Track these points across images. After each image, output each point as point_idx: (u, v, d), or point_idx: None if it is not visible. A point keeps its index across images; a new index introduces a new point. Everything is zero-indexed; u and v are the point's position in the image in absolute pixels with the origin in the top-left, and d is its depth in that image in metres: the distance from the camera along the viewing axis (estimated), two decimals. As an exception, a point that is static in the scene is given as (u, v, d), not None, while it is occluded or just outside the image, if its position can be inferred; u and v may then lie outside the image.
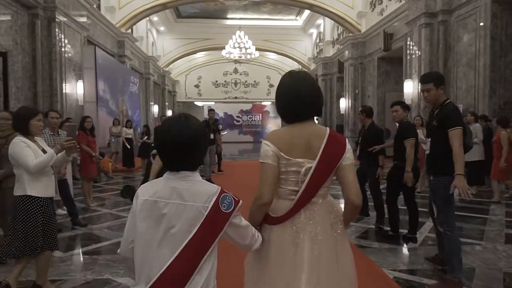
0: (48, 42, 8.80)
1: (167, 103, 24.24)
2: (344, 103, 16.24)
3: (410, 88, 10.19)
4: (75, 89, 9.76)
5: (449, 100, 3.06)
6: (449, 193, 2.76)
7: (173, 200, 1.28)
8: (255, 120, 31.37)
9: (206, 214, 1.27)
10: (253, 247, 1.47)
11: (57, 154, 2.68)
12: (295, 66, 26.99)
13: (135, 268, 1.31)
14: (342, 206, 1.68)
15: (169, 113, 24.17)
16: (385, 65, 13.80)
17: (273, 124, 31.27)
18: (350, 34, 15.07)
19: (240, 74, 29.00)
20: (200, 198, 1.29)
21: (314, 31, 23.13)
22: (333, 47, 19.45)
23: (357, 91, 15.16)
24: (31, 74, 8.56)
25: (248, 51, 19.59)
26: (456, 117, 2.88)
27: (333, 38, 19.43)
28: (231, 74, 28.91)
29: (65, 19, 9.20)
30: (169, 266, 1.23)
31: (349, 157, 1.55)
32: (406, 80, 10.54)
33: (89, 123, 6.18)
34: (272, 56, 27.55)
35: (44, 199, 2.70)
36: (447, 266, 3.10)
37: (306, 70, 23.51)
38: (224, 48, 19.90)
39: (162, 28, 22.54)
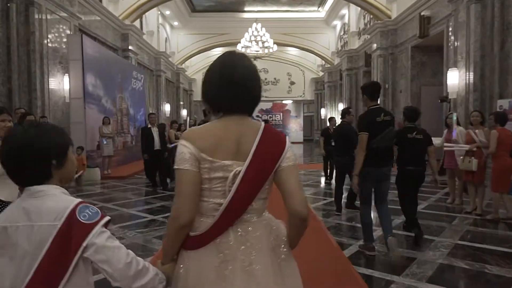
0: (26, 30, 7.64)
1: (182, 102, 23.09)
2: (372, 100, 14.45)
3: (455, 78, 8.40)
4: (61, 84, 8.60)
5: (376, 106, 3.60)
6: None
7: (22, 223, 1.07)
8: (275, 120, 29.78)
9: (56, 231, 1.04)
10: (133, 283, 1.06)
11: None
12: (317, 61, 25.29)
13: None
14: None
15: (184, 112, 23.04)
16: (420, 54, 11.95)
17: (295, 124, 29.67)
18: (379, 22, 13.29)
19: (260, 72, 26.64)
20: (50, 216, 1.06)
21: (337, 23, 21.36)
22: (359, 38, 17.66)
23: (387, 85, 13.36)
24: (5, 67, 7.42)
25: (266, 44, 18.08)
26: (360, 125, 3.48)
27: (359, 28, 17.64)
28: (249, 71, 27.47)
29: (47, 3, 8.03)
30: None
31: (289, 157, 1.23)
32: (450, 69, 8.73)
33: None
34: (292, 51, 25.92)
35: (8, 204, 2.35)
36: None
37: (330, 64, 22.11)
38: (240, 43, 18.49)
39: (176, 23, 21.43)
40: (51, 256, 1.04)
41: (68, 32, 8.81)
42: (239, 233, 1.19)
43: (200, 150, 1.16)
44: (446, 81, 9.14)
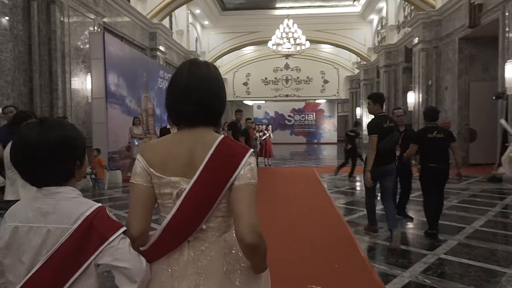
0: (47, 29, 7.45)
1: (212, 102, 22.81)
2: (412, 98, 13.35)
3: (514, 72, 7.32)
4: (84, 84, 8.38)
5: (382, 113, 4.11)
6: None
7: (37, 224, 1.06)
8: (308, 120, 28.94)
9: (70, 234, 1.04)
10: (140, 284, 1.08)
11: None
12: (352, 58, 24.18)
13: None
14: None
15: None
16: (469, 47, 10.78)
17: (329, 124, 28.63)
18: (422, 12, 12.18)
19: (292, 70, 26.75)
20: (67, 218, 1.06)
21: (374, 17, 20.20)
22: (398, 32, 16.50)
23: (430, 82, 12.24)
24: (27, 67, 7.26)
25: (298, 41, 17.33)
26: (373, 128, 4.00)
27: (398, 22, 16.48)
28: (281, 70, 26.78)
29: (70, 1, 7.82)
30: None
31: (244, 175, 1.10)
32: (508, 61, 7.63)
33: None
34: (326, 48, 24.96)
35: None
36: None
37: (366, 60, 20.98)
38: (271, 40, 17.86)
39: (206, 22, 21.18)
40: (61, 257, 1.04)
41: (92, 30, 8.59)
42: (193, 252, 1.14)
43: (150, 165, 1.14)
44: (501, 76, 8.05)
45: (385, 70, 16.94)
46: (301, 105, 28.71)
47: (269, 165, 11.99)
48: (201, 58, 17.81)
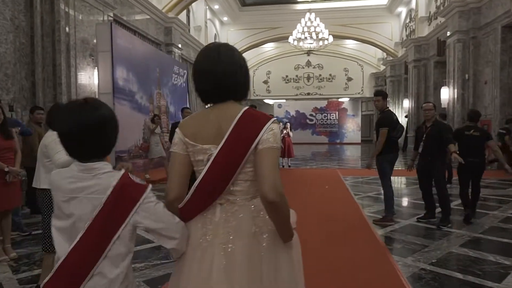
0: (51, 19, 6.98)
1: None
2: (446, 94, 12.27)
3: None
4: (92, 78, 7.89)
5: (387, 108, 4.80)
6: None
7: (76, 194, 1.21)
8: (330, 119, 27.89)
9: (104, 200, 1.18)
10: (180, 239, 1.24)
11: None
12: (378, 54, 23.05)
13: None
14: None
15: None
16: (513, 36, 9.68)
17: (352, 123, 27.51)
18: (457, 0, 11.11)
19: (314, 67, 25.84)
20: (101, 191, 1.20)
21: (402, 10, 19.07)
22: (429, 24, 15.38)
23: (467, 76, 11.16)
24: (29, 59, 6.81)
25: (320, 36, 16.46)
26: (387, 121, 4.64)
27: (430, 13, 15.35)
28: (303, 67, 25.90)
29: (76, -10, 7.34)
30: (66, 257, 1.19)
31: (267, 139, 1.19)
32: None
33: None
34: (350, 44, 23.94)
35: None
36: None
37: (393, 56, 19.81)
38: (292, 35, 17.06)
39: (225, 18, 20.62)
40: (100, 220, 1.17)
41: (100, 22, 8.10)
42: (225, 213, 1.26)
43: (185, 135, 1.29)
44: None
45: (415, 65, 15.84)
46: (323, 103, 27.71)
47: (289, 166, 11.24)
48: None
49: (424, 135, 4.56)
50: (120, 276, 1.19)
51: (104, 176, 1.21)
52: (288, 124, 11.56)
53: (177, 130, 1.31)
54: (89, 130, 1.17)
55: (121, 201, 1.17)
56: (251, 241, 1.21)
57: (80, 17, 7.54)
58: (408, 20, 18.48)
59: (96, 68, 7.71)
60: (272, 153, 1.18)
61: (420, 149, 4.62)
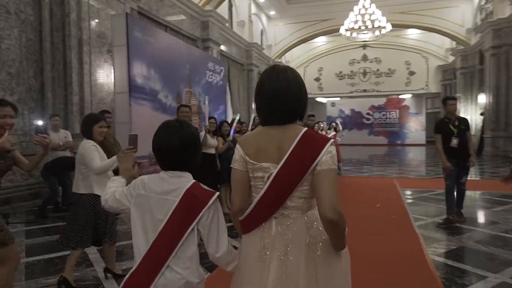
0: (61, 12, 6.34)
1: (279, 100, 20.95)
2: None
3: None
4: (110, 77, 7.18)
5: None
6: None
7: (160, 195, 1.43)
8: (390, 118, 25.44)
9: (178, 201, 1.40)
10: (226, 260, 1.45)
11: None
12: (445, 44, 20.36)
13: (134, 250, 1.47)
14: None
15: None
16: None
17: (415, 122, 24.81)
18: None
19: (371, 62, 23.63)
20: (178, 193, 1.42)
21: (476, -10, 16.42)
22: (511, 3, 12.81)
23: None
24: (38, 57, 6.22)
25: (376, 24, 14.58)
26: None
27: (513, -11, 12.79)
28: (358, 62, 23.81)
29: (90, -21, 6.65)
30: (147, 252, 1.39)
31: (326, 160, 1.29)
32: None
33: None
34: (412, 34, 21.49)
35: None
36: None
37: (465, 44, 16.92)
38: (343, 25, 15.38)
39: (272, 13, 19.46)
40: (173, 220, 1.39)
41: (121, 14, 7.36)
42: (279, 227, 1.35)
43: (246, 153, 1.40)
44: None
45: (493, 53, 13.36)
46: (381, 101, 25.35)
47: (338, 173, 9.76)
48: (266, 53, 16.08)
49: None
50: (191, 268, 1.41)
51: (186, 183, 1.45)
52: (334, 124, 10.05)
53: (237, 147, 1.43)
54: (186, 145, 1.45)
55: (192, 203, 1.40)
56: (307, 251, 1.31)
57: (96, 9, 6.84)
58: (483, 2, 15.81)
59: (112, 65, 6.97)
60: (330, 174, 1.28)
61: None
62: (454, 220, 4.57)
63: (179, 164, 1.44)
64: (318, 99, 26.40)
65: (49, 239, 4.20)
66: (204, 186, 1.43)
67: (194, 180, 1.43)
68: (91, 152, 2.76)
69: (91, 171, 2.77)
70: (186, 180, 1.43)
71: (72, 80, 6.35)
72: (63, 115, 6.38)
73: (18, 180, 5.85)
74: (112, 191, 1.56)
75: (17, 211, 5.44)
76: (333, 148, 1.30)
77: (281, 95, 1.34)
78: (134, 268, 1.40)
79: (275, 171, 1.31)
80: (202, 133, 5.40)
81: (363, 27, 14.86)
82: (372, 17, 14.59)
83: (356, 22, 14.74)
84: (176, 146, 1.41)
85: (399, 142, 24.89)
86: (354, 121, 25.93)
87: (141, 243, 1.41)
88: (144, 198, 1.44)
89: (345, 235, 1.32)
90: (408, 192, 6.93)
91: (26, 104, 6.03)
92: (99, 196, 2.61)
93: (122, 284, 1.41)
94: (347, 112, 26.19)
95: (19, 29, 5.89)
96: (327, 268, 1.31)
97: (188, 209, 1.37)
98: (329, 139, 1.32)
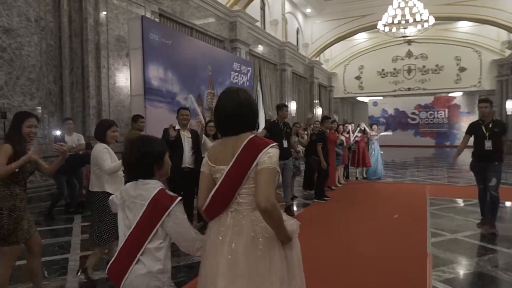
0: (80, 17, 6.52)
1: (316, 100, 20.40)
2: None
3: None
4: (128, 80, 7.28)
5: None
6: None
7: (132, 199, 1.72)
8: (438, 118, 23.83)
9: (145, 206, 1.66)
10: (192, 249, 1.70)
11: None
12: (501, 36, 18.62)
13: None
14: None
15: (319, 111, 20.32)
16: None
17: (467, 122, 22.86)
18: None
19: (416, 58, 22.21)
20: (147, 199, 1.67)
21: (536, -25, 14.75)
22: None
23: None
24: (58, 62, 6.45)
25: (418, 17, 13.60)
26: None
27: None
28: (402, 59, 22.49)
29: (108, -16, 6.79)
30: (123, 244, 1.68)
31: (263, 161, 1.56)
32: None
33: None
34: (462, 27, 19.89)
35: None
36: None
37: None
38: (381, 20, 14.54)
39: (308, 10, 18.97)
40: (142, 221, 1.65)
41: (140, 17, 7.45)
42: (232, 219, 1.62)
43: (209, 159, 1.71)
44: None
45: (553, 45, 11.87)
46: (428, 100, 23.78)
47: (364, 177, 9.15)
48: (302, 52, 15.64)
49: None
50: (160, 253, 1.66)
51: (151, 189, 1.70)
52: (363, 125, 9.46)
53: (206, 154, 1.76)
54: (144, 157, 1.77)
55: (157, 207, 1.64)
56: (250, 243, 1.55)
57: (115, 14, 6.97)
58: (544, -12, 14.18)
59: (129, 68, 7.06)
60: (266, 171, 1.53)
61: None
62: (486, 231, 4.43)
63: (144, 174, 1.71)
64: (359, 98, 25.37)
65: (53, 241, 4.27)
66: (169, 192, 1.68)
67: (160, 187, 1.68)
68: (103, 154, 3.08)
69: (102, 171, 3.08)
70: (152, 187, 1.68)
71: (90, 84, 6.51)
72: (81, 118, 6.56)
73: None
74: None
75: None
76: (272, 150, 1.55)
77: (233, 111, 1.64)
78: (113, 258, 1.69)
79: (225, 170, 1.60)
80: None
81: (403, 22, 13.95)
82: (413, 10, 13.64)
83: (395, 16, 13.87)
84: (139, 159, 1.69)
85: (447, 143, 23.21)
86: (398, 121, 24.62)
87: (121, 237, 1.70)
88: (123, 200, 1.74)
89: (283, 226, 1.54)
90: (437, 201, 6.28)
91: (46, 108, 6.27)
92: (110, 194, 2.80)
93: (106, 271, 1.69)
94: (391, 111, 24.92)
95: (39, 35, 6.14)
96: (267, 260, 1.54)
97: (153, 213, 1.62)
98: (269, 143, 1.57)
